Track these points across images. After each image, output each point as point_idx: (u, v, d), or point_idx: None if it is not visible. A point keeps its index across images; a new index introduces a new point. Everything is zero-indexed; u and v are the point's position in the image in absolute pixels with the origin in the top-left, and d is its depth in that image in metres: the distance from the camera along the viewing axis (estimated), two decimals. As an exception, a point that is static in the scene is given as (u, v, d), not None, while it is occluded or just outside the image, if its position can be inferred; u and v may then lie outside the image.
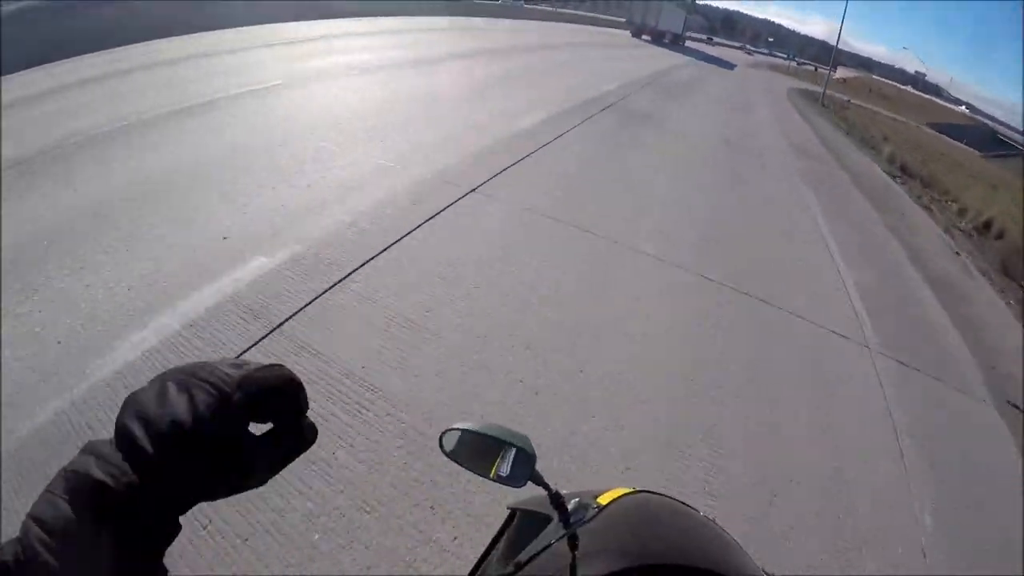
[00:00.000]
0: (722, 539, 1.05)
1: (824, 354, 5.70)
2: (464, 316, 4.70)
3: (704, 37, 76.07)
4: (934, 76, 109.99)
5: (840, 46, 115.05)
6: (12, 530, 0.45)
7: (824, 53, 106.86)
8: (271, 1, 17.95)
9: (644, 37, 47.69)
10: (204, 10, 15.80)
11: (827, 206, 10.91)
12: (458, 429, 1.06)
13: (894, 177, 15.82)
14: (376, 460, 3.22)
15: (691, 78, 30.09)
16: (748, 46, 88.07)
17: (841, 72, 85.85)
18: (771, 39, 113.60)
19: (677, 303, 5.77)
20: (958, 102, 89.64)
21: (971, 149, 68.35)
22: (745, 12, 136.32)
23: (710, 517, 1.14)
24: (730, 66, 49.78)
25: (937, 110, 79.55)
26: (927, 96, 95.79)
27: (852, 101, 48.74)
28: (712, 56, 53.43)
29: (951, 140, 67.35)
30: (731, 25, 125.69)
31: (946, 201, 14.96)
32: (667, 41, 48.86)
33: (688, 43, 55.57)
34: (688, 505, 1.16)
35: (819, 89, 43.99)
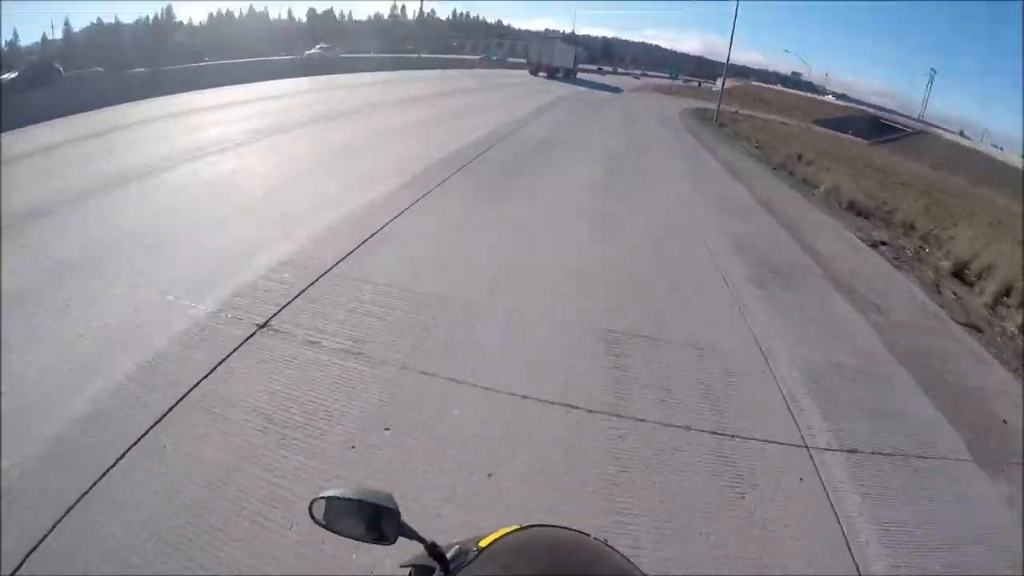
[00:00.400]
0: (617, 566, 1.06)
1: None
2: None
3: (595, 68, 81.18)
4: (812, 74, 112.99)
5: (716, 59, 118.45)
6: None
7: (703, 67, 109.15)
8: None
9: (541, 74, 51.65)
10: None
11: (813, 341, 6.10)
12: (324, 497, 1.09)
13: (874, 246, 11.20)
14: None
15: (575, 112, 28.94)
16: (635, 71, 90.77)
17: (720, 83, 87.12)
18: (649, 61, 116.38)
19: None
20: (830, 93, 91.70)
21: (858, 139, 69.03)
22: (622, 38, 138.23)
23: (605, 541, 1.13)
24: (617, 90, 52.05)
25: (818, 106, 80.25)
26: (805, 94, 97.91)
27: (741, 111, 47.29)
28: (602, 83, 57.01)
29: (838, 133, 67.59)
30: (610, 52, 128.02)
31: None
32: (560, 76, 52.69)
33: (580, 75, 60.22)
34: (583, 532, 1.14)
35: (708, 105, 44.45)
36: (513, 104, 26.96)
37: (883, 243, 11.16)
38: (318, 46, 39.16)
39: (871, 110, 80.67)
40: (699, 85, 74.73)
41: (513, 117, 21.47)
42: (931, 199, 22.23)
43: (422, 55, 56.08)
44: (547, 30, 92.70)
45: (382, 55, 48.99)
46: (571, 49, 56.92)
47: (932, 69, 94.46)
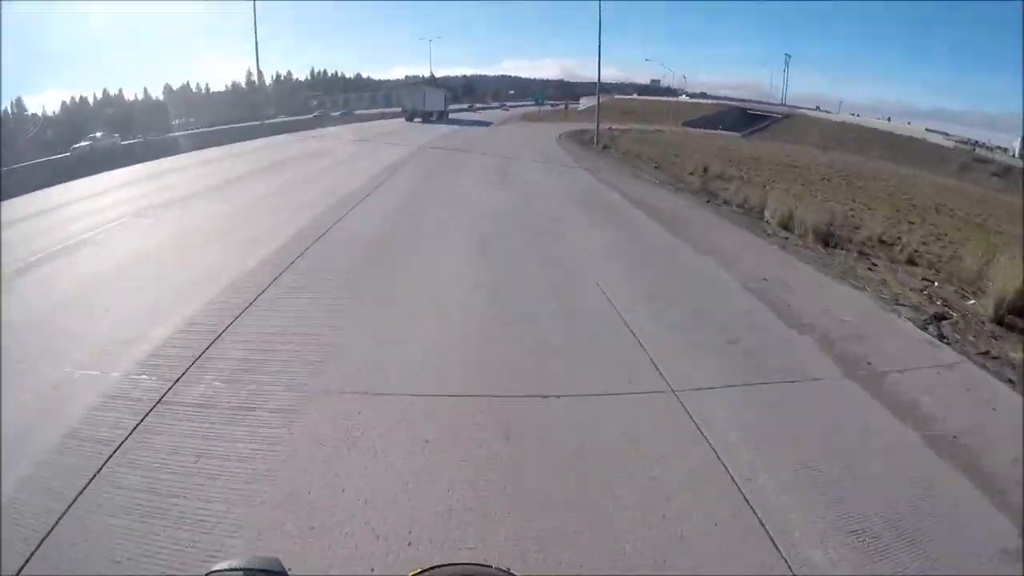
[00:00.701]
0: None
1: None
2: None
3: (466, 106, 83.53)
4: (673, 79, 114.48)
5: (571, 80, 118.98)
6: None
7: (564, 89, 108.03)
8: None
9: (417, 119, 53.06)
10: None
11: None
12: (217, 571, 0.93)
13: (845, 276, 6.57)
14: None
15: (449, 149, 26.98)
16: (499, 103, 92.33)
17: (584, 102, 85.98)
18: (512, 91, 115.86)
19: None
20: (684, 93, 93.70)
21: (731, 133, 68.78)
22: (481, 74, 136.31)
23: (508, 570, 1.01)
24: (487, 124, 52.60)
25: (683, 108, 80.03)
26: (665, 99, 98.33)
27: (614, 127, 44.65)
28: (473, 120, 58.63)
29: (711, 132, 66.80)
30: (471, 89, 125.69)
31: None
32: (434, 119, 54.51)
33: (453, 114, 62.85)
34: (485, 565, 1.04)
35: (581, 126, 42.85)
36: (378, 154, 21.89)
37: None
38: (90, 137, 31.31)
39: (735, 103, 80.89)
40: (566, 107, 72.46)
41: (368, 176, 16.86)
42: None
43: (270, 120, 51.75)
44: (407, 77, 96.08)
45: (229, 126, 45.75)
46: (440, 92, 59.87)
47: (786, 55, 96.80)
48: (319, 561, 2.78)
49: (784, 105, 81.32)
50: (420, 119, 52.95)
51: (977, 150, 56.84)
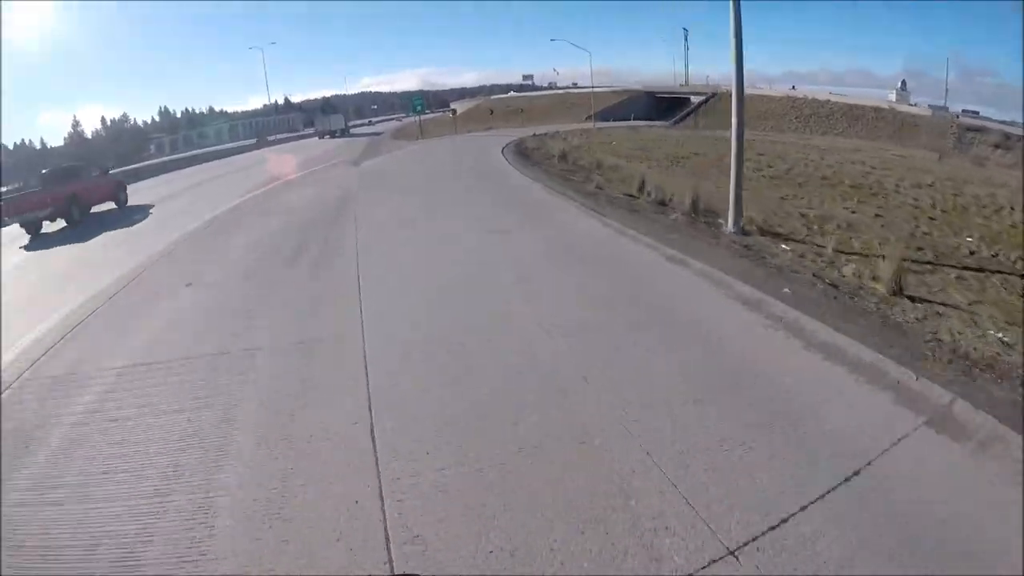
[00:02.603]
0: None
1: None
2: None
3: (366, 121, 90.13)
4: (541, 76, 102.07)
5: (434, 88, 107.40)
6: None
7: (427, 98, 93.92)
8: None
9: (327, 136, 60.56)
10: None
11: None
12: None
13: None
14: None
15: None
16: (372, 119, 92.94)
17: (461, 106, 77.66)
18: (374, 107, 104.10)
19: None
20: (562, 86, 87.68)
21: (655, 123, 55.59)
22: (342, 93, 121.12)
23: None
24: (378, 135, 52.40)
25: (578, 101, 66.51)
26: (545, 93, 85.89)
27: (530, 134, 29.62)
28: (371, 132, 61.80)
29: (629, 124, 53.14)
30: (332, 109, 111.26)
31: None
32: (338, 135, 60.76)
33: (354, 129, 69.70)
34: None
35: (505, 140, 29.32)
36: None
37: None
38: None
39: (639, 89, 67.52)
40: (454, 114, 57.42)
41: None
42: None
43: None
44: (264, 105, 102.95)
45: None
46: (340, 116, 69.39)
47: (684, 29, 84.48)
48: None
49: (685, 85, 68.79)
50: (329, 136, 60.83)
51: (960, 117, 45.92)
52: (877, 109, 51.02)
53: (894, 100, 54.43)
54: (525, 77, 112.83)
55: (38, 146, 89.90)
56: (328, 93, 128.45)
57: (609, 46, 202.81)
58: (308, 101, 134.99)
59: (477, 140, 32.28)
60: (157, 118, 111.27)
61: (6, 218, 15.64)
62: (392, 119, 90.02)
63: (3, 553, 2.61)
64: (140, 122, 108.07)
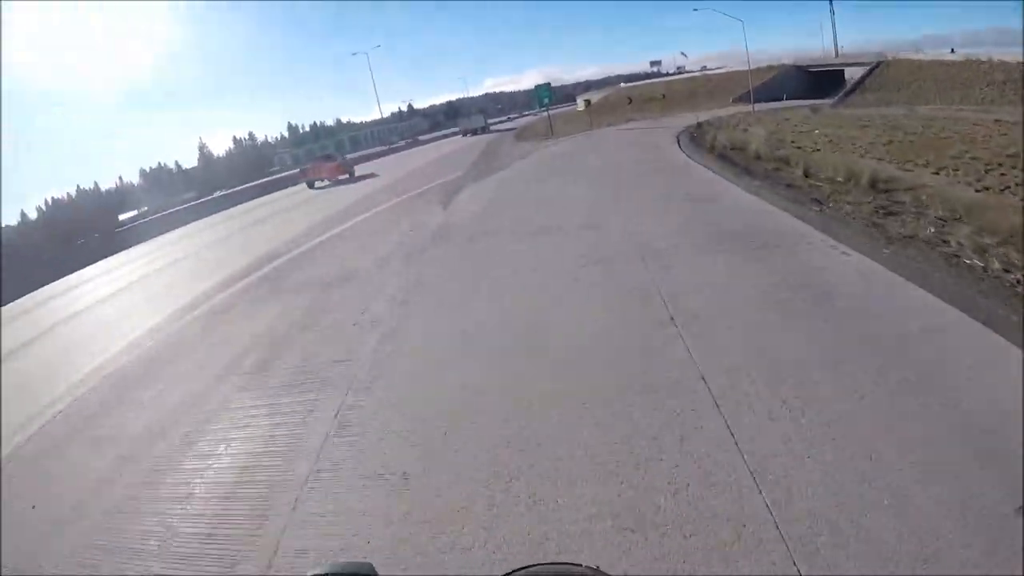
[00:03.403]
0: None
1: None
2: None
3: (505, 118, 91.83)
4: (669, 62, 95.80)
5: (557, 84, 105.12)
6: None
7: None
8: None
9: (468, 135, 64.94)
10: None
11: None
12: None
13: None
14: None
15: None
16: (527, 112, 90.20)
17: (579, 100, 74.59)
18: (499, 106, 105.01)
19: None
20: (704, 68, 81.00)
21: (813, 102, 47.77)
22: (466, 96, 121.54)
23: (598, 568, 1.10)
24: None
25: (719, 82, 59.40)
26: (678, 76, 78.93)
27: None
28: (509, 127, 64.06)
29: (782, 104, 45.81)
30: (455, 113, 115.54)
31: None
32: (479, 132, 64.97)
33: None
34: (575, 564, 1.13)
35: (666, 134, 26.34)
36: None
37: None
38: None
39: (787, 62, 58.96)
40: (588, 104, 52.56)
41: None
42: None
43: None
44: (392, 114, 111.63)
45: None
46: (481, 116, 72.81)
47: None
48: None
49: (840, 56, 59.16)
50: (471, 134, 64.48)
51: None
52: None
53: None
54: (653, 63, 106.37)
55: (173, 168, 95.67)
56: (452, 97, 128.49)
57: (735, 25, 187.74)
58: (432, 107, 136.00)
59: (627, 137, 27.28)
60: (285, 133, 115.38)
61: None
62: (524, 115, 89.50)
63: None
64: (271, 138, 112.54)
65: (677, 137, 21.73)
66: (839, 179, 11.40)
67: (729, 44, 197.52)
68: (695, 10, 51.81)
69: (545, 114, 38.26)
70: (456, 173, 22.60)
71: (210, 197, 51.19)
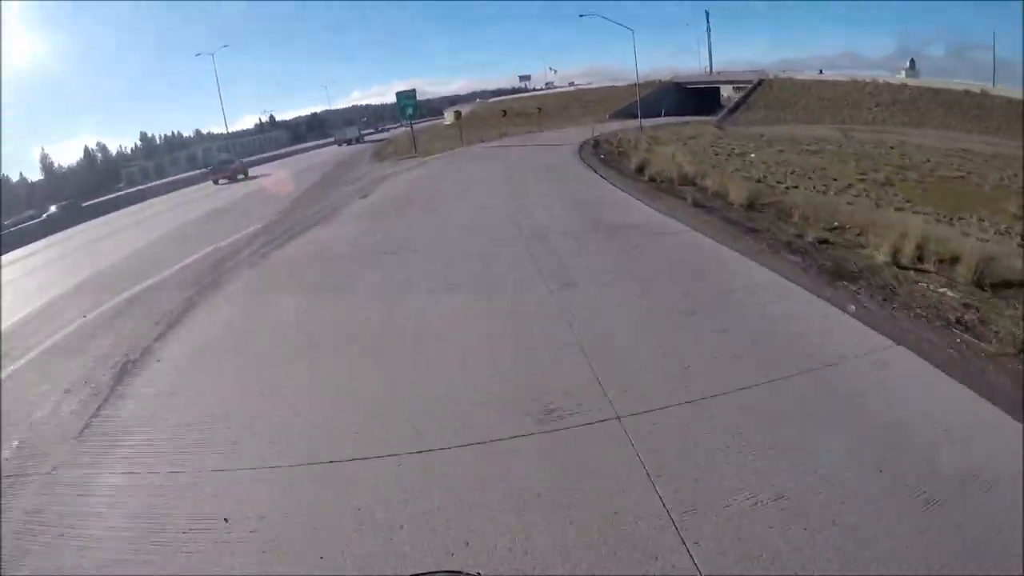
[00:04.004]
0: None
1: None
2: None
3: (377, 128, 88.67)
4: (537, 77, 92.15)
5: (423, 98, 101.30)
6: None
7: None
8: None
9: (344, 144, 61.04)
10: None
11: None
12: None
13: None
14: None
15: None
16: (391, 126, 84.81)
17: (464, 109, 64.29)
18: (364, 119, 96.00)
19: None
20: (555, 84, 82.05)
21: (691, 119, 44.59)
22: (329, 108, 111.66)
23: None
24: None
25: (593, 96, 55.85)
26: (548, 92, 76.84)
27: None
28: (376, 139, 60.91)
29: (663, 120, 42.04)
30: (319, 125, 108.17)
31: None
32: (354, 142, 61.38)
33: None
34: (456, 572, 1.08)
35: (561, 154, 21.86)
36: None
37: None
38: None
39: (665, 79, 56.04)
40: (458, 117, 44.53)
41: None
42: None
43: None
44: (255, 125, 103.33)
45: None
46: (355, 127, 71.37)
47: (706, 11, 71.65)
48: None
49: (736, 72, 57.35)
50: (346, 144, 60.99)
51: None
52: (969, 94, 39.77)
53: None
54: (522, 78, 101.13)
55: (15, 179, 77.46)
56: (317, 109, 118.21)
57: (603, 41, 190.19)
58: (297, 118, 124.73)
59: (513, 156, 20.90)
60: (139, 143, 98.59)
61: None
62: (388, 129, 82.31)
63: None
64: (126, 149, 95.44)
65: (581, 157, 15.63)
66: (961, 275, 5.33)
67: (594, 61, 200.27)
68: (581, 16, 47.98)
69: (407, 128, 31.08)
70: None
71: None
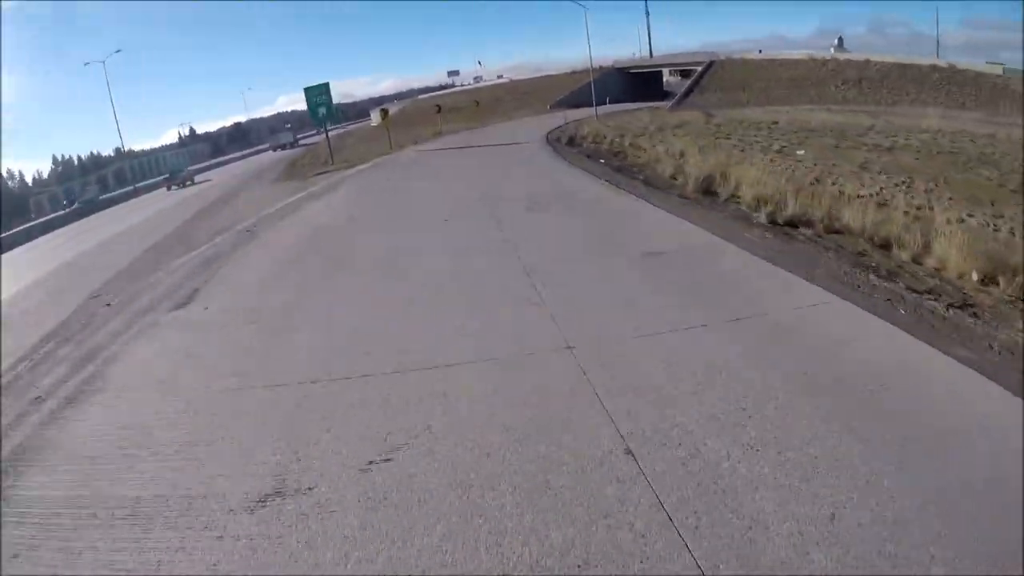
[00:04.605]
0: None
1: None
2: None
3: (314, 132, 66.22)
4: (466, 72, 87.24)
5: (351, 100, 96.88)
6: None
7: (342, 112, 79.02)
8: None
9: (278, 150, 55.76)
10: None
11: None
12: None
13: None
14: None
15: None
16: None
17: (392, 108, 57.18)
18: (288, 125, 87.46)
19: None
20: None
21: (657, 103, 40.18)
22: (255, 117, 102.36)
23: None
24: None
25: (529, 88, 54.38)
26: (477, 86, 70.79)
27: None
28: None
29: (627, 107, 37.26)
30: (243, 135, 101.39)
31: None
32: (288, 147, 55.82)
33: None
34: None
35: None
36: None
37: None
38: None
39: (607, 65, 51.37)
40: (384, 115, 36.90)
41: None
42: None
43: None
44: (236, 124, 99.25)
45: None
46: (290, 132, 64.58)
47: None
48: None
49: (655, 57, 53.59)
50: (280, 149, 57.12)
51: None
52: (936, 68, 36.60)
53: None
54: (450, 73, 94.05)
55: None
56: (241, 118, 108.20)
57: (528, 34, 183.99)
58: (221, 129, 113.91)
59: (462, 165, 15.43)
60: (56, 167, 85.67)
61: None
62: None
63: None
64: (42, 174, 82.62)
65: (568, 161, 10.18)
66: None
67: (520, 55, 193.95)
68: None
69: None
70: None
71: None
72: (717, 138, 15.41)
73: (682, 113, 27.68)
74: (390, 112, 43.44)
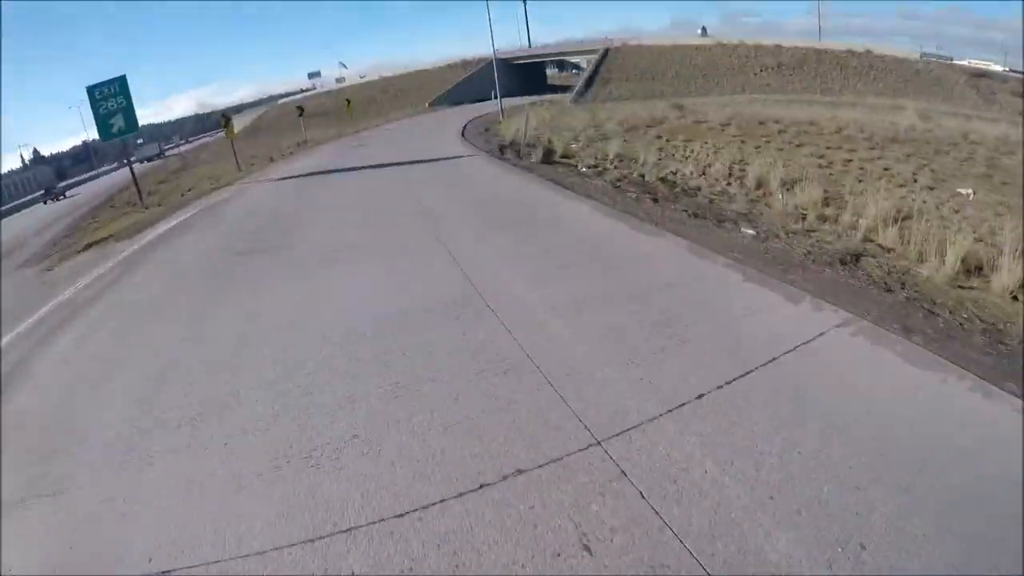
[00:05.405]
0: None
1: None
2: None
3: (175, 144, 65.45)
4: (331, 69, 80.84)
5: (209, 110, 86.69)
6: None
7: (204, 122, 68.10)
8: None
9: (145, 161, 49.99)
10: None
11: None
12: None
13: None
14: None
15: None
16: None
17: (240, 120, 48.88)
18: (141, 140, 75.81)
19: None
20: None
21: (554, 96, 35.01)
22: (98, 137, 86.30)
23: None
24: None
25: (402, 86, 49.28)
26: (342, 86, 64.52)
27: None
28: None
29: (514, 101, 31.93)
30: (90, 155, 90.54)
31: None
32: (155, 159, 51.80)
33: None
34: None
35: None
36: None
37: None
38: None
39: (489, 56, 46.17)
40: (226, 123, 28.20)
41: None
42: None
43: None
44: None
45: None
46: (156, 144, 60.98)
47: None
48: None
49: (570, 44, 49.32)
50: (147, 161, 50.82)
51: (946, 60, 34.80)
52: (853, 53, 34.73)
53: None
54: (311, 75, 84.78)
55: None
56: (88, 137, 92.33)
57: (385, 33, 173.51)
58: (73, 149, 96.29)
59: (345, 228, 8.02)
60: None
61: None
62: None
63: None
64: None
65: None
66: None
67: (379, 55, 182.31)
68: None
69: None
70: None
71: None
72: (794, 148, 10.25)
73: (616, 107, 22.33)
74: (247, 121, 35.06)
